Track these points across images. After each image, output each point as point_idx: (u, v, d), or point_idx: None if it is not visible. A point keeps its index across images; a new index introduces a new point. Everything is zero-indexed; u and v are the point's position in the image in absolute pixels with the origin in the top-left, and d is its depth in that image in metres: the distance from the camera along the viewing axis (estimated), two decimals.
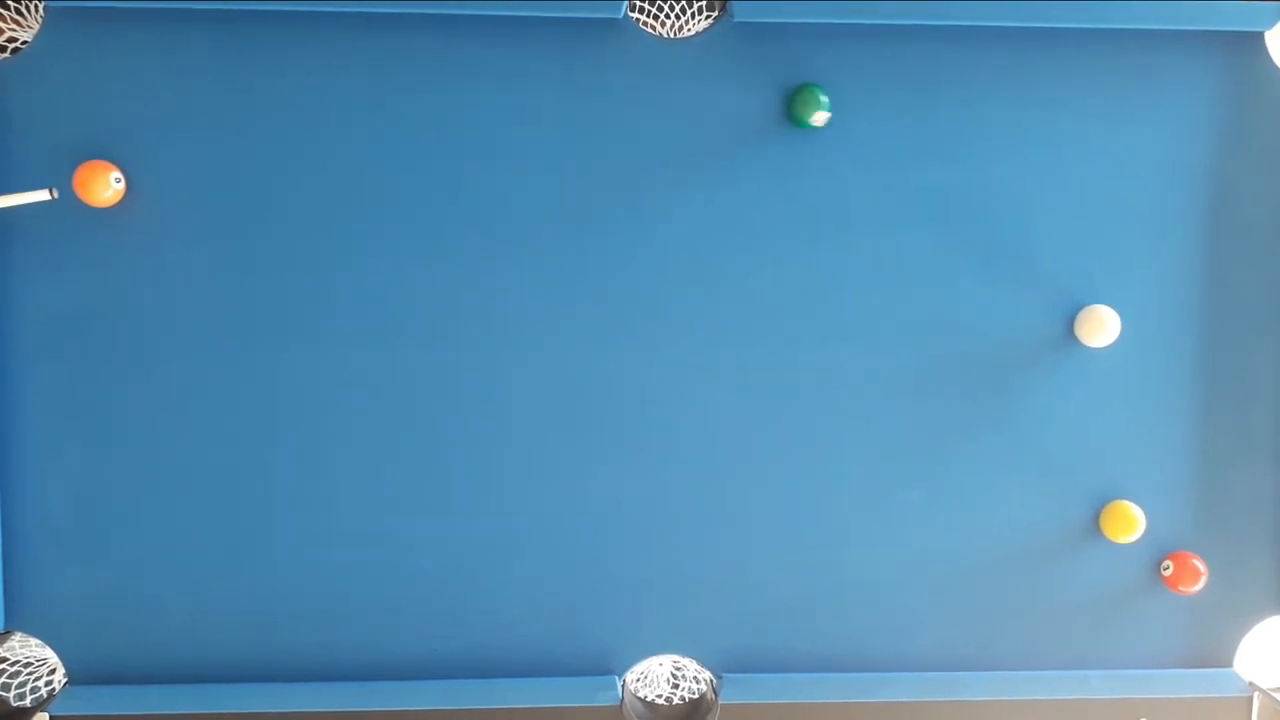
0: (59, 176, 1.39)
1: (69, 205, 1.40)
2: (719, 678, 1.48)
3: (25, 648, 1.45)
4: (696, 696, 1.50)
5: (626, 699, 1.45)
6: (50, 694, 1.43)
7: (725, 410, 1.49)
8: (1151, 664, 1.53)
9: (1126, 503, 1.50)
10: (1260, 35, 1.46)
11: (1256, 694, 1.49)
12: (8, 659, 1.43)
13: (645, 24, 1.45)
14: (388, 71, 1.43)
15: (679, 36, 1.45)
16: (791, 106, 1.42)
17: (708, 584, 1.50)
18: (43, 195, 1.31)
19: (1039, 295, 1.49)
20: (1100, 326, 1.45)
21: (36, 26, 1.39)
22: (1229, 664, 1.53)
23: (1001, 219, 1.49)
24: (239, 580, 1.46)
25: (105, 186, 1.37)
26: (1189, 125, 1.48)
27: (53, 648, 1.45)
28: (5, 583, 1.43)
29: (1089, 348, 1.48)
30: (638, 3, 1.44)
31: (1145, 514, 1.48)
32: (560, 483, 1.48)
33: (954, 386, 1.50)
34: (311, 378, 1.45)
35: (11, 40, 1.40)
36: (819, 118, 1.40)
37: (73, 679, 1.45)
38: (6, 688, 1.41)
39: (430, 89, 1.43)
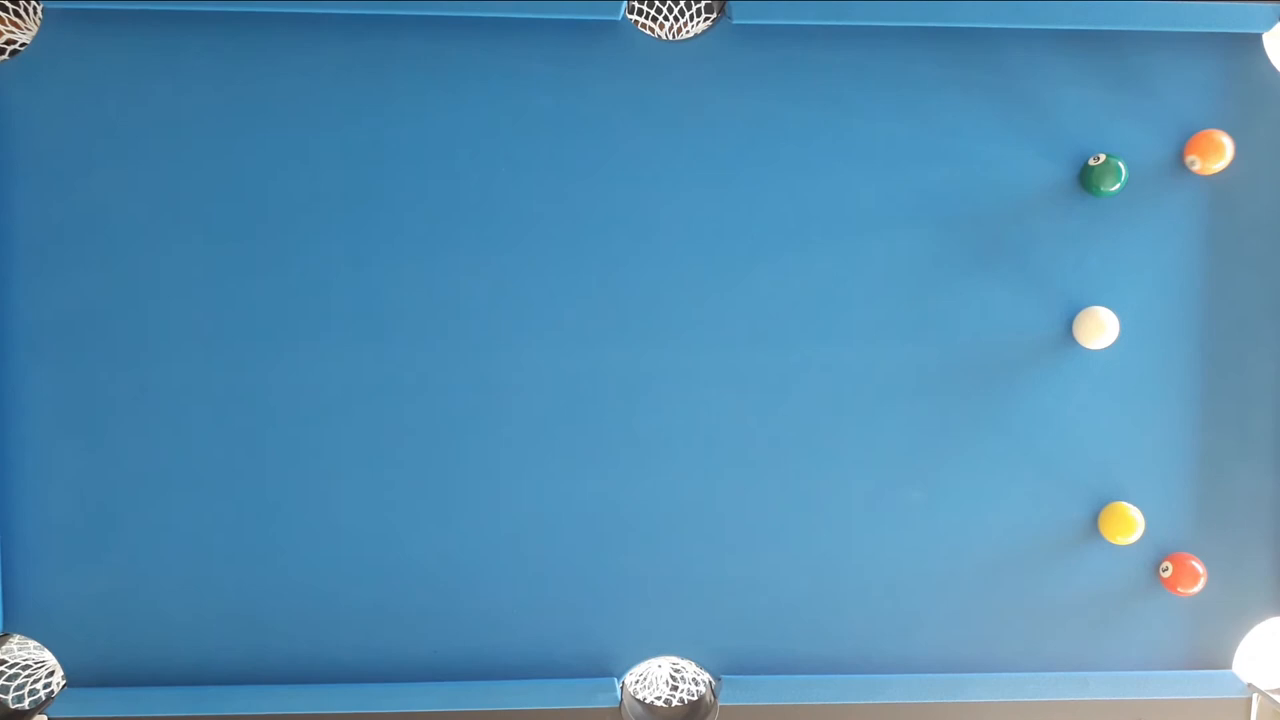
0: (59, 176, 1.39)
1: (67, 205, 1.40)
2: (718, 679, 1.48)
3: (24, 650, 1.45)
4: (695, 698, 1.50)
5: (625, 701, 1.45)
6: (49, 696, 1.43)
7: (724, 411, 1.49)
8: (1150, 665, 1.53)
9: (1125, 504, 1.50)
10: (1258, 37, 1.46)
11: (1255, 695, 1.49)
12: (6, 661, 1.43)
13: (644, 26, 1.45)
14: (386, 72, 1.43)
15: (678, 38, 1.45)
16: (1095, 177, 1.44)
17: (707, 585, 1.50)
18: None
19: (1038, 296, 1.49)
20: (1099, 328, 1.45)
21: (35, 28, 1.39)
22: (1228, 665, 1.53)
23: (1001, 219, 1.49)
24: (238, 582, 1.46)
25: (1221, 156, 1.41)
26: (1188, 126, 1.48)
27: (51, 650, 1.45)
28: (4, 585, 1.43)
29: (1088, 349, 1.48)
30: (636, 4, 1.44)
31: (1144, 515, 1.48)
32: (559, 483, 1.48)
33: (953, 387, 1.50)
34: (310, 378, 1.45)
35: (10, 42, 1.40)
36: (1109, 182, 1.43)
37: (71, 681, 1.45)
38: (5, 690, 1.41)
39: (429, 90, 1.43)
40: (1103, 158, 1.43)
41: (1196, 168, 1.44)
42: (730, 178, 1.46)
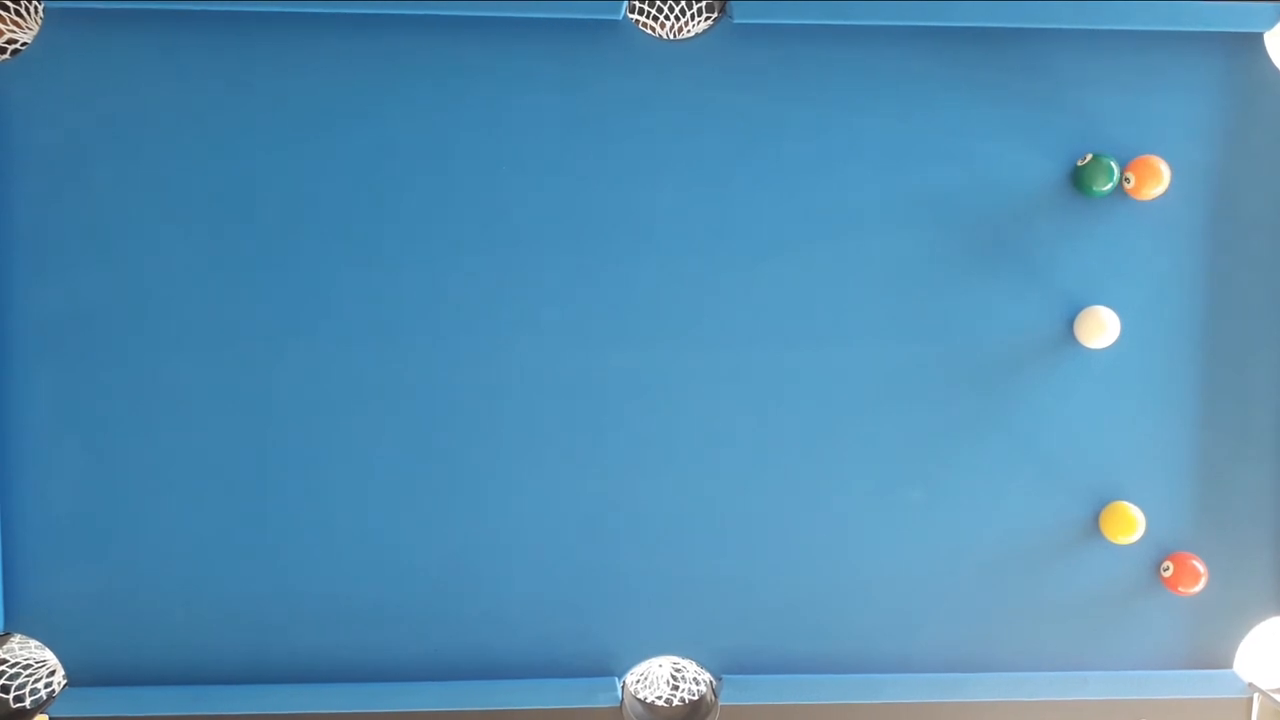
0: (59, 175, 1.40)
1: (67, 205, 1.40)
2: (719, 679, 1.48)
3: (25, 649, 1.45)
4: (696, 698, 1.50)
5: (626, 700, 1.45)
6: (50, 695, 1.43)
7: (725, 410, 1.49)
8: (1151, 665, 1.53)
9: (1126, 503, 1.50)
10: (1259, 36, 1.46)
11: (1256, 695, 1.49)
12: (7, 660, 1.43)
13: (645, 25, 1.45)
14: (387, 72, 1.42)
15: (679, 38, 1.45)
16: (1086, 177, 1.44)
17: (707, 585, 1.50)
18: None
19: (1039, 295, 1.49)
20: (1100, 327, 1.45)
21: (36, 28, 1.39)
22: (1229, 665, 1.53)
23: (1001, 219, 1.48)
24: (239, 581, 1.46)
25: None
26: (1188, 126, 1.48)
27: (52, 649, 1.45)
28: (5, 584, 1.43)
29: (1089, 349, 1.48)
30: (637, 4, 1.44)
31: (1145, 515, 1.48)
32: (559, 483, 1.48)
33: (954, 387, 1.50)
34: (311, 378, 1.45)
35: (11, 42, 1.40)
36: (1101, 182, 1.43)
37: (72, 681, 1.45)
38: (6, 689, 1.41)
39: (429, 89, 1.43)
40: (1089, 157, 1.43)
41: (1130, 185, 1.44)
42: (731, 177, 1.46)
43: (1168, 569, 1.50)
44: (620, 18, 1.42)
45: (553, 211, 1.45)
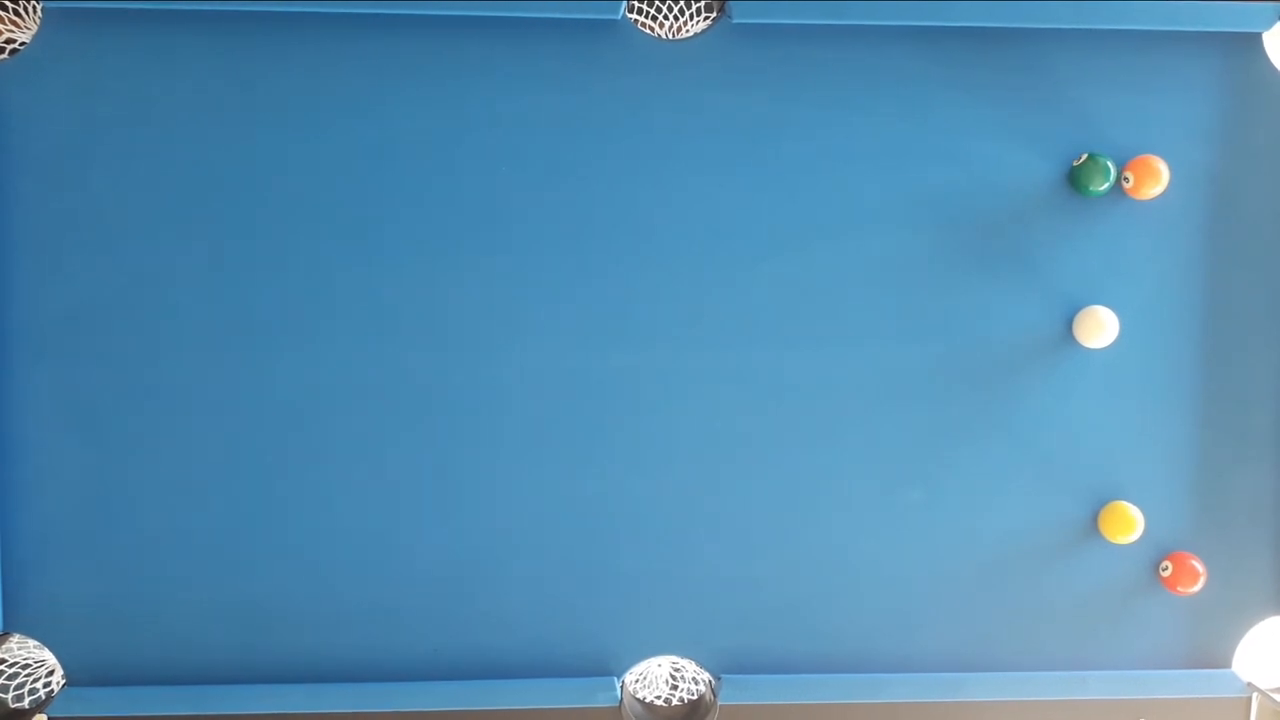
0: (59, 175, 1.40)
1: (67, 204, 1.40)
2: (718, 679, 1.48)
3: (24, 649, 1.45)
4: (695, 698, 1.50)
5: (625, 700, 1.45)
6: (49, 695, 1.43)
7: (724, 410, 1.49)
8: (1150, 665, 1.53)
9: (1125, 503, 1.50)
10: (1258, 36, 1.47)
11: (1255, 694, 1.49)
12: (6, 660, 1.43)
13: (644, 25, 1.45)
14: (386, 72, 1.42)
15: (677, 38, 1.45)
16: (1082, 177, 1.44)
17: (707, 584, 1.50)
18: None
19: (1038, 295, 1.49)
20: (1099, 327, 1.45)
21: (35, 28, 1.39)
22: (1228, 665, 1.53)
23: (1001, 219, 1.49)
24: (238, 581, 1.46)
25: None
26: (1188, 126, 1.48)
27: (51, 649, 1.45)
28: (4, 584, 1.43)
29: (1088, 349, 1.48)
30: (636, 4, 1.44)
31: (1144, 514, 1.48)
32: (559, 483, 1.48)
33: (953, 387, 1.50)
34: (311, 379, 1.45)
35: (10, 42, 1.40)
36: (1098, 181, 1.43)
37: (71, 680, 1.45)
38: (5, 689, 1.41)
39: (429, 89, 1.43)
40: (1084, 157, 1.43)
41: (1129, 185, 1.44)
42: (730, 178, 1.46)
43: (1167, 569, 1.50)
44: (619, 18, 1.42)
45: (552, 211, 1.45)
